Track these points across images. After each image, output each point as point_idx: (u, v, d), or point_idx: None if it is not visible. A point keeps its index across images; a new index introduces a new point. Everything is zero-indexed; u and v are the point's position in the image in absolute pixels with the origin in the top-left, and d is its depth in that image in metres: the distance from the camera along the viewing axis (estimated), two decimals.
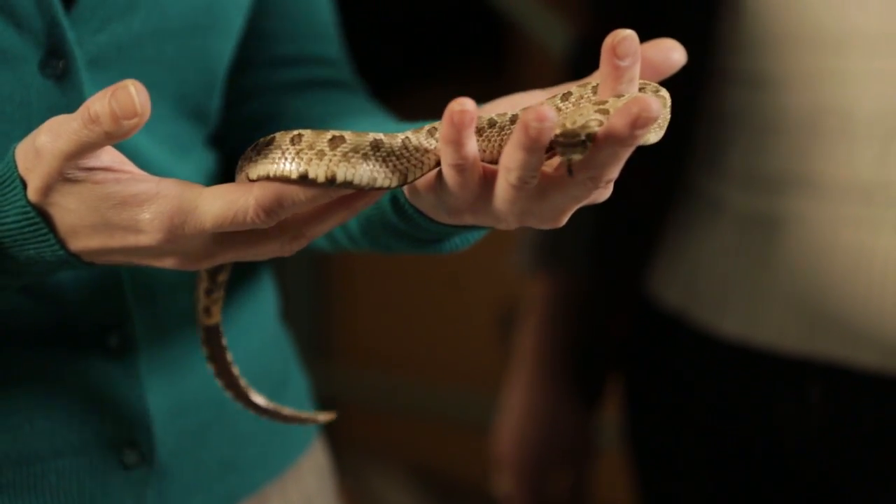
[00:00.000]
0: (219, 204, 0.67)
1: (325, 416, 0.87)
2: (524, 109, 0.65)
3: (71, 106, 0.79)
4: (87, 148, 0.67)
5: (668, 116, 0.71)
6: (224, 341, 0.84)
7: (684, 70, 1.08)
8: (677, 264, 1.19)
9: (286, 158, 0.66)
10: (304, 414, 0.88)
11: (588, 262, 1.27)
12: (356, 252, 0.90)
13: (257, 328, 0.98)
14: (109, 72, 0.81)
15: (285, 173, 0.66)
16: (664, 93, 0.70)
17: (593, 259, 1.26)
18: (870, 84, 1.04)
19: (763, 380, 1.15)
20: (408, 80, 2.29)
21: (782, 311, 1.12)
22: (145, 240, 0.69)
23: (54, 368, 0.84)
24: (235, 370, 0.85)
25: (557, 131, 0.64)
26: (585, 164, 0.65)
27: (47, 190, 0.69)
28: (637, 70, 0.68)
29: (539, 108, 0.63)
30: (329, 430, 1.23)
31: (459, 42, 2.36)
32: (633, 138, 0.64)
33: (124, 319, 0.85)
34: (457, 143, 0.66)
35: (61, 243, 0.71)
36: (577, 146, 0.64)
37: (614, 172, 0.67)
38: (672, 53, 0.76)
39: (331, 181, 0.66)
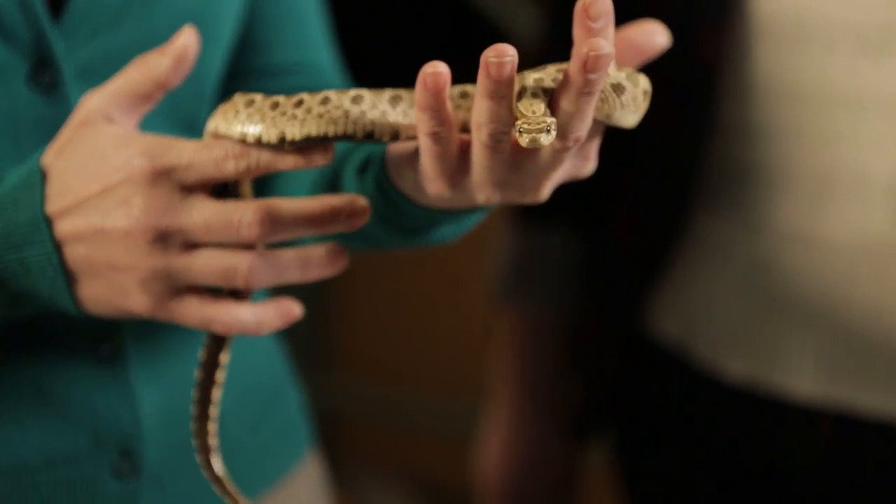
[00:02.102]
0: (200, 141, 0.72)
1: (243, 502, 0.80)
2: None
3: (59, 118, 0.79)
4: (133, 87, 0.73)
5: (647, 104, 0.71)
6: (224, 357, 0.80)
7: (691, 119, 1.08)
8: (679, 303, 1.17)
9: (232, 119, 0.72)
10: (231, 488, 0.80)
11: (569, 295, 1.25)
12: (349, 251, 0.90)
13: (251, 341, 0.98)
14: (98, 83, 0.80)
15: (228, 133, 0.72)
16: (644, 79, 0.70)
17: (585, 293, 1.25)
18: (884, 146, 1.04)
19: (769, 425, 1.13)
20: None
21: (793, 357, 1.10)
22: (123, 168, 0.71)
23: (46, 378, 0.84)
24: (216, 393, 0.80)
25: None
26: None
27: (65, 146, 0.73)
28: (611, 32, 0.66)
29: (497, 44, 0.63)
30: (327, 442, 1.23)
31: (454, 47, 2.36)
32: (588, 83, 0.63)
33: (115, 330, 0.85)
34: (432, 109, 0.66)
35: (43, 201, 0.72)
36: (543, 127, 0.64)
37: (580, 128, 0.66)
38: (655, 36, 0.76)
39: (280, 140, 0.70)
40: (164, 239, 0.71)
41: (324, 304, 2.56)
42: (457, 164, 0.69)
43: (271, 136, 0.70)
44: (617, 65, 0.72)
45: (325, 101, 0.70)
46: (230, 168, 0.71)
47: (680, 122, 1.09)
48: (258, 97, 0.72)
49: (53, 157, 0.73)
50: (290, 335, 1.12)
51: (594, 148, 0.73)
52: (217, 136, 0.73)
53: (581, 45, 0.62)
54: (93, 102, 0.74)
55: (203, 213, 0.71)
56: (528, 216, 1.24)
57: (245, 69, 0.94)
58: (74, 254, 0.73)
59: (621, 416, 1.27)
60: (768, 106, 1.06)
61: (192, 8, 0.84)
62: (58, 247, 0.73)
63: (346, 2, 1.31)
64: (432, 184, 0.71)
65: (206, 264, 0.72)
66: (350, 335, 2.58)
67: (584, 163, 0.73)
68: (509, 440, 1.29)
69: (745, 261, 1.11)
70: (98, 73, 0.81)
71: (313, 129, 0.70)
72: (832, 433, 1.10)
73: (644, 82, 0.70)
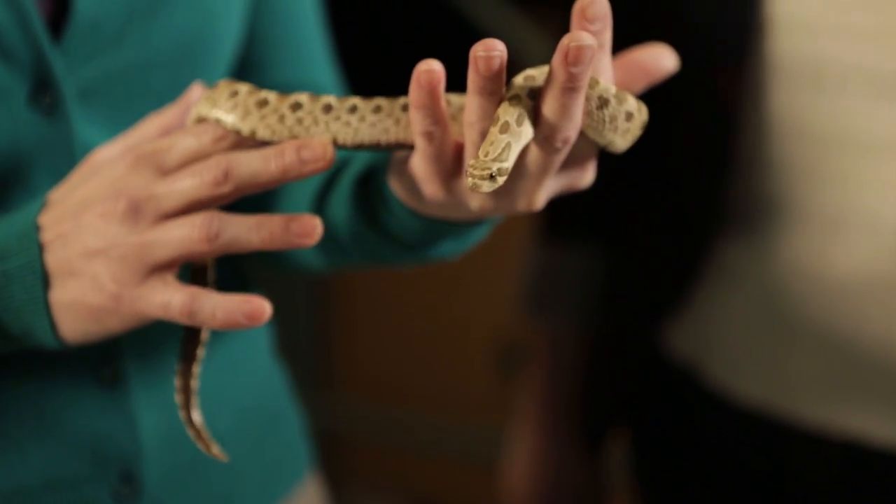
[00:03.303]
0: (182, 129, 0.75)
1: (217, 452, 0.77)
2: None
3: (60, 139, 0.79)
4: (141, 139, 0.76)
5: (640, 131, 0.70)
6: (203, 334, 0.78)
7: (711, 154, 1.08)
8: (695, 325, 1.17)
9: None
10: (211, 443, 0.77)
11: (589, 312, 1.26)
12: (349, 267, 0.89)
13: (249, 362, 0.97)
14: (98, 104, 0.81)
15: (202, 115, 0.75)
16: (643, 106, 0.69)
17: (604, 311, 1.25)
18: (894, 189, 1.04)
19: (779, 450, 1.13)
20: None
21: (802, 385, 1.10)
22: (110, 165, 0.73)
23: (46, 402, 0.84)
24: (204, 334, 0.78)
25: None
26: (537, 124, 0.65)
27: (68, 179, 0.75)
28: (608, 37, 0.66)
29: (486, 39, 0.62)
30: (328, 463, 1.22)
31: (453, 66, 2.37)
32: (571, 78, 0.62)
33: (116, 353, 0.85)
34: (426, 107, 0.66)
35: (37, 214, 0.73)
36: (487, 176, 0.64)
37: (568, 128, 0.65)
38: (663, 59, 0.75)
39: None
40: (136, 210, 0.71)
41: (324, 324, 2.56)
42: (451, 165, 0.69)
43: (247, 130, 0.73)
44: (620, 89, 0.71)
45: (297, 106, 0.72)
46: (208, 138, 0.72)
47: (701, 156, 1.10)
48: (243, 88, 0.74)
49: (57, 190, 0.75)
50: (290, 355, 1.12)
51: (591, 159, 0.72)
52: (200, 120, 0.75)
53: (563, 39, 0.62)
54: (101, 152, 0.75)
55: (172, 179, 0.71)
56: (552, 232, 1.25)
57: None
58: (53, 257, 0.72)
59: (636, 432, 1.27)
60: (785, 145, 1.06)
61: (192, 28, 0.84)
62: (41, 251, 0.72)
63: (340, 14, 1.31)
64: (426, 186, 0.71)
65: (169, 229, 0.71)
66: (350, 355, 2.57)
67: (581, 174, 0.72)
68: (535, 455, 1.30)
69: (760, 290, 1.11)
70: (99, 94, 0.81)
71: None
72: (840, 460, 1.10)
73: (641, 110, 0.69)
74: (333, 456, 2.44)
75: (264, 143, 0.73)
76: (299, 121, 0.72)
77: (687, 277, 1.15)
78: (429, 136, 0.67)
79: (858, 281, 1.05)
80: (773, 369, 1.12)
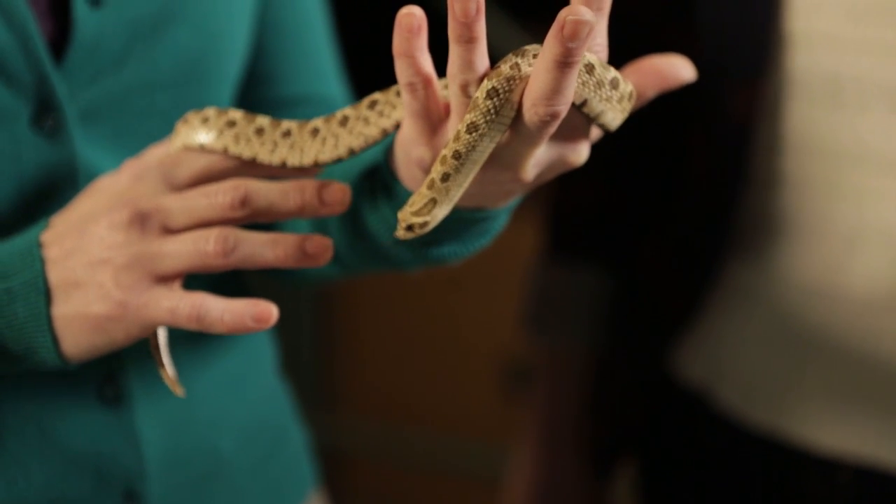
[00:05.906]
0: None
1: (179, 389, 0.77)
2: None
3: (62, 161, 0.79)
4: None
5: (630, 106, 0.70)
6: None
7: (724, 171, 1.08)
8: (705, 348, 1.16)
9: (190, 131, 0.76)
10: (169, 372, 0.78)
11: (595, 333, 1.25)
12: (353, 272, 0.89)
13: (254, 382, 0.97)
14: (102, 125, 0.81)
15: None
16: (628, 83, 0.69)
17: (612, 333, 1.24)
18: None
19: (790, 475, 1.12)
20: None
21: (815, 410, 1.09)
22: (114, 178, 0.74)
23: (49, 420, 0.84)
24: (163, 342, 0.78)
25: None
26: (527, 94, 0.64)
27: (71, 202, 0.77)
28: (606, 9, 0.63)
29: None
30: (332, 481, 1.22)
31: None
32: (566, 53, 0.60)
33: (119, 370, 0.85)
34: (408, 55, 0.65)
35: (39, 232, 0.74)
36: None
37: (558, 102, 0.63)
38: (681, 69, 0.75)
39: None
40: (143, 220, 0.72)
41: (327, 343, 2.56)
42: (437, 124, 0.69)
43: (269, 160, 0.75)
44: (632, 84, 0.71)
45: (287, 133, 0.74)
46: (217, 154, 0.74)
47: (713, 174, 1.09)
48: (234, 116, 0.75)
49: (60, 213, 0.75)
50: (294, 374, 1.12)
51: (583, 134, 0.71)
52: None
53: (561, 13, 0.60)
54: (105, 179, 0.76)
55: (184, 196, 0.72)
56: (558, 251, 1.24)
57: (251, 102, 0.94)
58: (57, 271, 0.73)
59: (645, 456, 1.26)
60: (800, 161, 1.06)
61: (197, 47, 0.84)
62: (44, 267, 0.73)
63: (341, 23, 1.31)
64: (415, 149, 0.70)
65: (182, 242, 0.72)
66: (354, 373, 2.57)
67: (572, 148, 0.70)
68: (534, 475, 1.29)
69: (772, 311, 1.10)
70: (102, 116, 0.81)
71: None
72: (853, 486, 1.08)
73: (627, 81, 0.69)
74: (337, 474, 2.43)
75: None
76: (273, 143, 0.74)
77: (697, 297, 1.14)
78: (411, 87, 0.66)
79: (876, 298, 1.04)
80: (787, 392, 1.10)
